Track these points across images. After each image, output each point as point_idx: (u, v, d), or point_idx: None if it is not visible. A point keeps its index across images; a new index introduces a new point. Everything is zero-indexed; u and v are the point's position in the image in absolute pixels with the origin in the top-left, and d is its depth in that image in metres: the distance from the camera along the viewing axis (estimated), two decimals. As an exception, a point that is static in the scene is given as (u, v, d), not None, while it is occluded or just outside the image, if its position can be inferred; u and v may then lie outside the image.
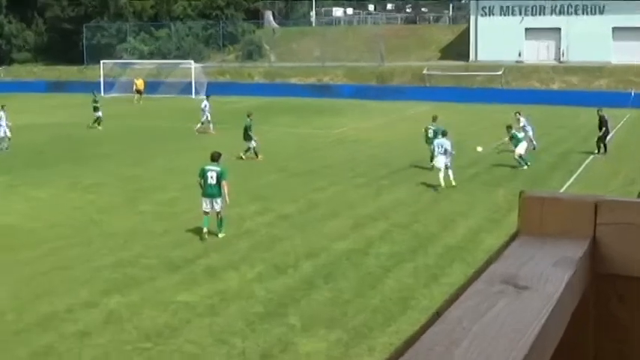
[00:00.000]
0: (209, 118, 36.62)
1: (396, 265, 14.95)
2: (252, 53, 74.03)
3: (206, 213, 17.20)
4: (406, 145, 32.30)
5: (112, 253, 15.88)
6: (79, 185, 23.56)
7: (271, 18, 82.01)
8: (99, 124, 39.36)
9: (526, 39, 63.17)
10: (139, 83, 57.99)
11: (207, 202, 17.20)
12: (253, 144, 28.72)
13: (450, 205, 20.46)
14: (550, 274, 1.25)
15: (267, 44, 75.27)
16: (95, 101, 40.63)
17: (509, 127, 27.28)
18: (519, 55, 62.56)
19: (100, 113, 39.86)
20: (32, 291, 13.40)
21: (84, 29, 77.48)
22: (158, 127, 39.83)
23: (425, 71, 59.77)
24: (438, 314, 1.12)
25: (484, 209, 19.94)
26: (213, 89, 60.65)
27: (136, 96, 56.00)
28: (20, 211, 19.72)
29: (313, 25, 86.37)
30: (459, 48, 66.41)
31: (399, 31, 75.22)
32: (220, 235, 17.17)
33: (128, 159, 29.06)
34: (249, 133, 28.82)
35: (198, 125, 35.93)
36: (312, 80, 64.59)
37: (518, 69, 59.53)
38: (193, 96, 59.30)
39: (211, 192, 17.22)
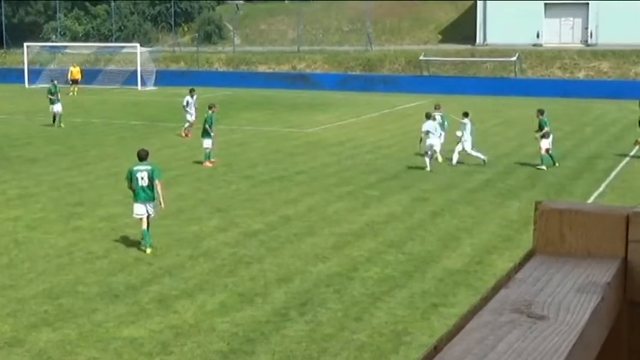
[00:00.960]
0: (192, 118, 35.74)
1: (388, 292, 15.04)
2: (212, 35, 74.04)
3: (141, 219, 17.91)
4: (399, 147, 32.46)
5: (42, 279, 15.85)
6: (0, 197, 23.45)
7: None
8: (60, 122, 39.04)
9: (546, 17, 63.66)
10: (75, 72, 57.82)
11: (142, 208, 17.84)
12: (208, 144, 28.74)
13: (453, 219, 20.62)
14: (572, 302, 1.26)
15: (229, 24, 75.27)
16: (52, 92, 40.11)
17: (541, 111, 28.31)
18: (537, 36, 63.04)
19: (59, 108, 39.30)
20: (-58, 326, 13.33)
21: (2, 4, 76.96)
22: (97, 125, 39.68)
23: (422, 57, 60.08)
24: (435, 350, 1.14)
25: (494, 225, 20.11)
26: (163, 79, 60.73)
27: (72, 87, 55.81)
28: None
29: (286, 0, 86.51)
30: (463, 29, 66.82)
31: (390, 8, 75.51)
32: (149, 251, 17.65)
33: (62, 163, 28.98)
34: (211, 129, 28.76)
35: (186, 125, 35.59)
36: (285, 68, 64.71)
37: (536, 54, 59.98)
38: (139, 87, 59.26)
39: (145, 195, 17.88)
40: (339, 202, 22.66)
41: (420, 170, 27.23)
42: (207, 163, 28.49)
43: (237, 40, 72.32)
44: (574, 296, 1.28)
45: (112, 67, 64.55)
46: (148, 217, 17.92)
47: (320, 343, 12.75)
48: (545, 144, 27.78)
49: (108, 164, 28.76)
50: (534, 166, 27.64)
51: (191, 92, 36.57)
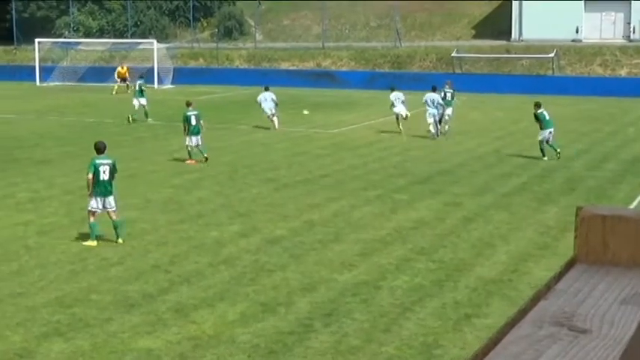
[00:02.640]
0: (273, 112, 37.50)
1: (417, 302, 15.01)
2: (232, 31, 74.23)
3: (93, 213, 18.72)
4: (430, 149, 32.42)
5: (53, 287, 15.94)
6: (9, 200, 23.63)
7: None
8: (147, 116, 41.26)
9: (586, 11, 63.36)
10: (123, 71, 58.19)
11: (99, 201, 18.72)
12: (193, 141, 29.19)
13: (487, 225, 20.56)
14: (616, 315, 1.24)
15: (250, 19, 75.47)
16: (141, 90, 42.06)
17: (538, 104, 30.13)
18: (577, 32, 62.73)
19: (144, 101, 41.63)
20: (-50, 336, 13.44)
21: (13, -1, 77.58)
22: (111, 125, 39.91)
23: (454, 54, 59.95)
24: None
25: (530, 231, 20.03)
26: (181, 76, 60.97)
27: (117, 86, 56.17)
28: None
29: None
30: (498, 24, 66.63)
31: (420, 2, 75.41)
32: (120, 241, 18.69)
33: (74, 165, 29.06)
34: (193, 125, 29.11)
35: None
36: (309, 65, 64.81)
37: (575, 50, 59.71)
38: (156, 85, 59.48)
39: (104, 190, 18.85)
40: (366, 207, 22.65)
41: (452, 174, 27.20)
42: (190, 161, 29.03)
43: (258, 36, 72.50)
44: (618, 308, 1.27)
45: (127, 64, 64.82)
46: (110, 213, 18.85)
47: (346, 355, 12.74)
48: (545, 135, 29.33)
49: (123, 166, 28.58)
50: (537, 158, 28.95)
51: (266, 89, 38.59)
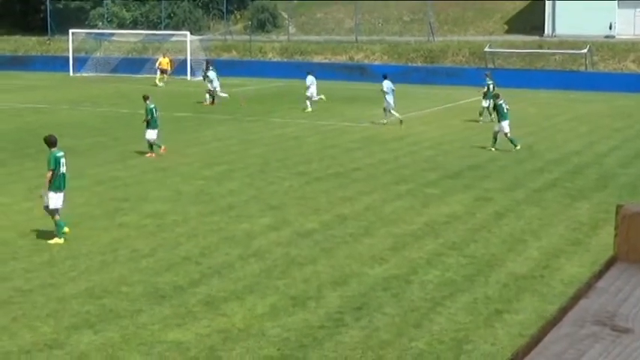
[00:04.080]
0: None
1: (448, 297, 14.94)
2: (265, 23, 74.27)
3: (57, 210, 18.51)
4: (462, 143, 32.29)
5: (84, 278, 15.99)
6: (40, 191, 23.70)
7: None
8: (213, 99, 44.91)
9: (619, 7, 62.80)
10: (164, 62, 58.35)
11: (59, 197, 18.58)
12: (152, 135, 29.26)
13: (518, 220, 20.43)
14: None
15: (284, 12, 75.50)
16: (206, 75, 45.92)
17: (495, 96, 31.03)
18: (610, 28, 62.20)
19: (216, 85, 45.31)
20: (-19, 324, 13.53)
21: (47, -12, 78.00)
22: (143, 116, 39.96)
23: (487, 49, 59.65)
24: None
25: (562, 227, 19.88)
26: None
27: (159, 75, 56.40)
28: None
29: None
30: (531, 19, 66.22)
31: (454, -5, 75.10)
32: (63, 235, 18.40)
33: (106, 156, 29.32)
34: (155, 118, 29.33)
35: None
36: (341, 59, 64.74)
37: (608, 46, 59.21)
38: (189, 77, 59.68)
39: (64, 183, 18.75)
40: (398, 201, 22.58)
41: (484, 168, 27.08)
42: (151, 154, 29.10)
43: (292, 29, 72.50)
44: None
45: (160, 56, 65.00)
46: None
47: (376, 350, 12.69)
48: (505, 127, 29.88)
49: (155, 158, 29.01)
50: (510, 149, 29.64)
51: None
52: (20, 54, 73.82)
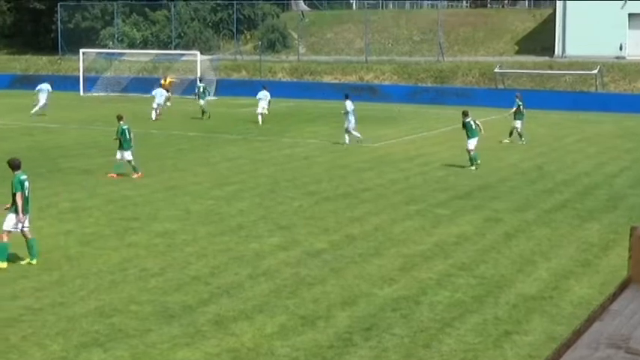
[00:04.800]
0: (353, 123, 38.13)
1: (458, 318, 14.92)
2: (275, 43, 74.46)
3: (9, 233, 18.06)
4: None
5: (93, 297, 16.03)
6: (51, 209, 23.84)
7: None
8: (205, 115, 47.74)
9: (630, 28, 62.76)
10: (166, 84, 58.49)
11: (28, 219, 18.26)
12: (128, 156, 29.03)
13: (528, 241, 20.40)
14: None
15: (294, 32, 75.69)
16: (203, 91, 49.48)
17: (465, 113, 31.49)
18: (620, 49, 62.16)
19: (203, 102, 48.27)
20: (-9, 343, 13.56)
21: (58, 9, 78.40)
22: (155, 136, 40.20)
23: (497, 69, 59.71)
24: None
25: (572, 248, 19.85)
26: (224, 88, 61.28)
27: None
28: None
29: (354, 8, 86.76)
30: (541, 39, 66.26)
31: (464, 17, 75.27)
32: (34, 261, 18.16)
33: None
34: (128, 139, 29.00)
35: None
36: (351, 79, 64.86)
37: (619, 67, 59.21)
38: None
39: (28, 206, 18.36)
40: (407, 221, 22.58)
41: (494, 189, 27.06)
42: (136, 175, 28.71)
43: (301, 49, 72.67)
44: None
45: (170, 75, 65.18)
46: (28, 230, 18.28)
47: (385, 371, 12.68)
48: (470, 144, 30.72)
49: (165, 177, 29.08)
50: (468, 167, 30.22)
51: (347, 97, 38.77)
52: (31, 73, 74.08)
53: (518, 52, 67.14)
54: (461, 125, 31.57)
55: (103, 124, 44.31)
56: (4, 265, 17.95)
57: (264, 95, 46.21)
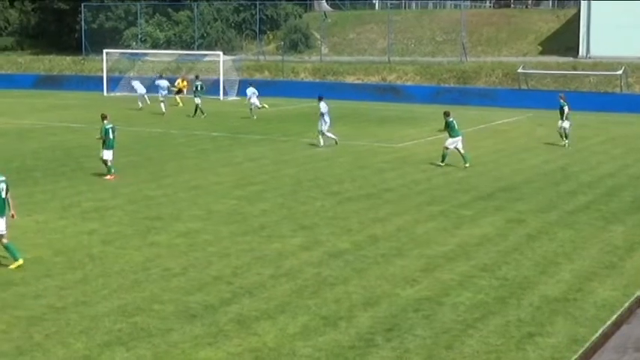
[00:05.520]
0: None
1: (480, 319, 14.89)
2: (298, 44, 74.52)
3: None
4: (494, 164, 32.20)
5: (116, 296, 16.11)
6: (75, 209, 23.99)
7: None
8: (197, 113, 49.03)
9: (655, 28, 62.33)
10: (183, 85, 58.86)
11: (3, 222, 17.92)
12: (108, 156, 28.94)
13: (551, 243, 20.32)
14: None
15: (316, 32, 75.73)
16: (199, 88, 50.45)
17: (447, 113, 32.10)
18: (645, 49, 61.77)
19: (198, 100, 49.34)
20: (12, 343, 13.64)
21: (82, 9, 78.77)
22: (177, 136, 40.35)
23: (520, 69, 59.50)
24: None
25: (596, 250, 19.75)
26: (246, 89, 61.24)
27: (178, 97, 56.83)
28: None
29: (377, 8, 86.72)
30: (565, 40, 65.99)
31: (487, 17, 75.07)
32: (20, 261, 17.95)
33: (139, 175, 29.53)
34: (111, 139, 28.96)
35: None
36: (374, 79, 64.83)
37: (643, 68, 58.83)
38: (221, 97, 59.97)
39: (2, 210, 17.99)
40: (430, 222, 22.55)
41: (516, 190, 26.97)
42: (109, 177, 28.69)
43: (324, 50, 72.70)
44: None
45: (193, 75, 65.35)
46: (3, 234, 18.01)
47: (407, 371, 12.68)
48: (450, 143, 31.41)
49: (187, 177, 29.18)
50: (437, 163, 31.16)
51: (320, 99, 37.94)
52: (55, 73, 74.57)
53: (541, 53, 66.90)
54: (444, 125, 32.01)
55: (126, 124, 44.52)
56: (21, 261, 18.03)
57: (252, 92, 48.64)
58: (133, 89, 55.53)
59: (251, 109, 48.19)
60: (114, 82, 65.30)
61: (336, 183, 28.15)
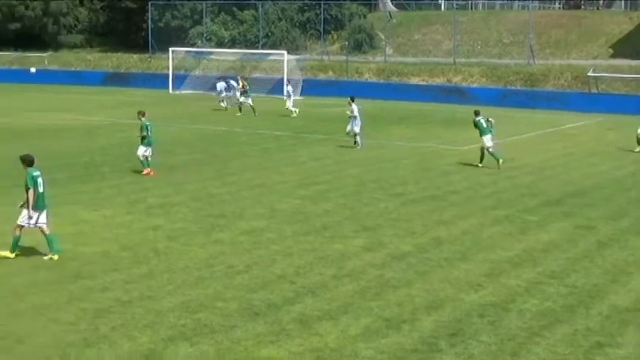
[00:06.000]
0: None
1: (547, 327, 14.69)
2: (362, 44, 74.52)
3: (22, 227, 18.19)
4: (563, 169, 31.85)
5: (180, 291, 16.24)
6: (140, 205, 24.25)
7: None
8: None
9: None
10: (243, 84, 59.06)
11: (36, 216, 18.16)
12: (148, 152, 29.26)
13: (622, 251, 20.00)
14: None
15: (381, 32, 75.61)
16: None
17: (476, 112, 32.62)
18: None
19: (249, 101, 50.47)
20: (79, 335, 13.83)
21: (149, 8, 79.68)
22: (240, 134, 40.59)
23: (590, 73, 58.77)
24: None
25: (668, 259, 19.39)
26: (310, 88, 61.51)
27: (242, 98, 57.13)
28: (67, 235, 20.40)
29: (442, 9, 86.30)
30: (637, 43, 64.99)
31: (556, 18, 74.29)
32: (56, 257, 18.27)
33: (203, 173, 29.76)
34: (148, 136, 29.18)
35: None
36: (439, 81, 64.56)
37: None
38: (285, 96, 60.09)
39: (44, 203, 18.33)
40: (495, 227, 22.34)
41: (586, 195, 26.61)
42: (145, 172, 28.97)
43: (389, 50, 72.58)
44: None
45: (257, 74, 65.74)
46: (45, 226, 18.33)
47: (471, 377, 12.57)
48: (487, 141, 31.36)
49: (251, 175, 29.32)
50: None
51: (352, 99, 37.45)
52: (122, 71, 75.57)
53: (612, 56, 66.02)
54: (472, 124, 32.11)
55: (190, 121, 45.00)
56: (12, 255, 18.27)
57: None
58: (214, 89, 55.46)
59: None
60: (179, 80, 65.96)
61: (400, 184, 28.06)
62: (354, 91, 60.98)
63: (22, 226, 18.24)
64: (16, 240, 18.33)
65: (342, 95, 58.29)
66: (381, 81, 65.48)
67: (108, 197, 25.23)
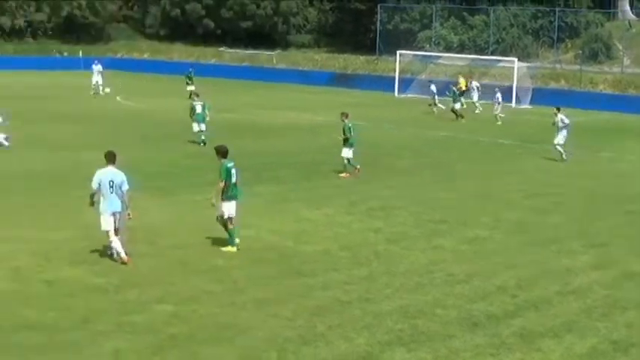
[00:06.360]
0: None
1: None
2: (598, 53, 72.23)
3: (230, 219, 18.70)
4: None
5: (398, 296, 16.25)
6: (361, 206, 24.46)
7: (627, 7, 79.49)
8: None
9: None
10: (462, 83, 58.58)
11: (231, 207, 18.70)
12: (347, 154, 29.39)
13: None
14: None
15: (619, 42, 73.08)
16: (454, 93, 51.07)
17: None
18: None
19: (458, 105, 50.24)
20: (296, 331, 14.09)
21: (379, 10, 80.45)
22: (463, 141, 40.25)
23: None
24: None
25: None
26: (540, 97, 60.20)
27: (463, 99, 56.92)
28: (289, 232, 20.87)
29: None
30: None
31: None
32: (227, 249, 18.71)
33: (426, 177, 29.77)
34: (350, 137, 29.21)
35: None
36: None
37: None
38: (513, 104, 59.18)
39: (237, 192, 18.82)
40: None
41: None
42: (344, 175, 29.11)
43: (626, 61, 70.06)
44: None
45: (485, 80, 64.95)
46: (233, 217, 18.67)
47: None
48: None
49: (476, 183, 28.99)
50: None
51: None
52: (349, 72, 76.62)
53: None
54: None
55: (415, 126, 45.05)
56: (234, 249, 18.72)
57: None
58: (439, 92, 55.36)
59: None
60: (405, 84, 66.14)
61: (634, 201, 26.92)
62: (587, 102, 59.49)
63: (230, 218, 18.76)
64: (231, 233, 18.89)
65: (575, 106, 56.82)
66: (617, 93, 63.19)
67: (328, 196, 25.60)
